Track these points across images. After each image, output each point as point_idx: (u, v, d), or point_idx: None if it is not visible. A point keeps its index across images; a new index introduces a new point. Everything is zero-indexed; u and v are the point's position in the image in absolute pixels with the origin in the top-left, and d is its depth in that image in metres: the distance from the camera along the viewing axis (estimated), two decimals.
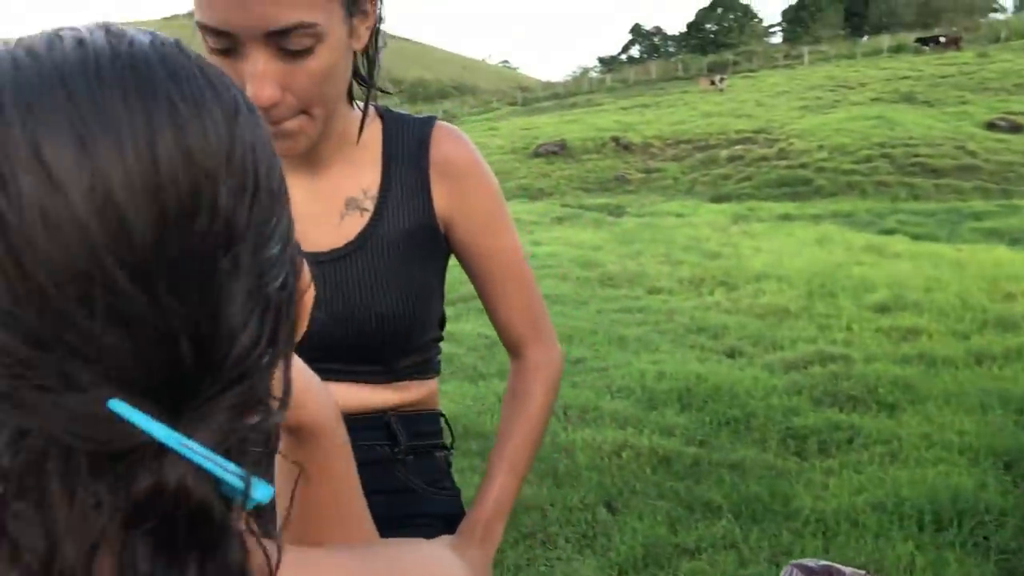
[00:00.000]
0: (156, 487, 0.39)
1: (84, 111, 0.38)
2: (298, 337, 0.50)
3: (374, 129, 1.13)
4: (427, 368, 1.20)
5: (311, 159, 1.09)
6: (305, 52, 0.92)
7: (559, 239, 11.56)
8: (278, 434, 0.46)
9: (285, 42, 0.90)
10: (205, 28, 0.91)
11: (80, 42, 0.41)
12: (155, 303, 0.39)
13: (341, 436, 0.68)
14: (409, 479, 1.18)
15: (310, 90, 0.95)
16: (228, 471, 0.40)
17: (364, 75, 1.07)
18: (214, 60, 0.93)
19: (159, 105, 0.40)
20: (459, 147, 1.14)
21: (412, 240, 1.12)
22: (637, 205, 16.56)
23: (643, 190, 20.41)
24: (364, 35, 1.01)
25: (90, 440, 0.38)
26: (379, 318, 1.10)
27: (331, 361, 1.10)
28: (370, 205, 1.11)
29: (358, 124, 1.10)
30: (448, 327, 5.04)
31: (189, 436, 0.40)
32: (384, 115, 1.16)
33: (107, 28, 0.43)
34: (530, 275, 1.21)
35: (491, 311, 1.21)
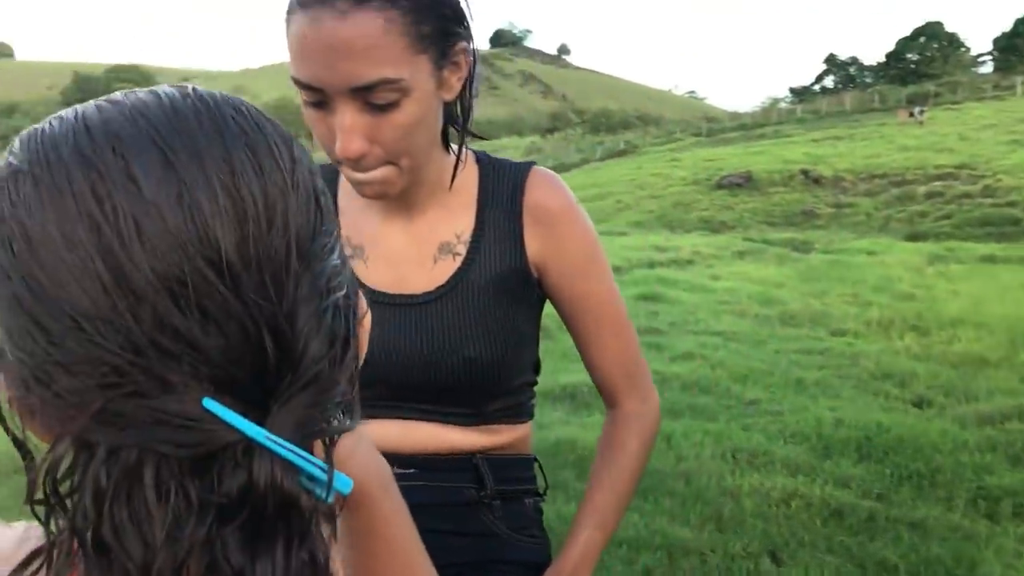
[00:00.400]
0: (248, 483, 0.42)
1: (165, 135, 0.43)
2: (360, 361, 0.52)
3: (470, 174, 1.14)
4: (519, 412, 1.19)
5: (406, 204, 1.11)
6: (391, 106, 0.94)
7: (739, 274, 11.27)
8: (335, 443, 0.48)
9: (371, 97, 0.93)
10: (298, 83, 0.95)
11: (151, 91, 0.47)
12: (242, 301, 0.42)
13: (390, 503, 0.68)
14: (495, 524, 1.17)
15: (396, 142, 0.98)
16: (312, 463, 0.44)
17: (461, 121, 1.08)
18: (309, 113, 0.98)
19: (229, 128, 0.45)
20: (553, 192, 1.13)
21: (503, 285, 1.12)
22: (825, 241, 15.92)
23: (832, 226, 19.61)
24: (455, 86, 1.02)
25: (183, 445, 0.41)
26: (468, 361, 1.10)
27: (421, 402, 1.13)
28: (463, 249, 1.12)
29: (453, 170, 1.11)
30: None
31: (274, 431, 0.43)
32: (481, 160, 1.16)
33: (169, 84, 0.49)
34: (626, 322, 1.18)
35: (585, 357, 1.19)
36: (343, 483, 0.45)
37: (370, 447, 0.69)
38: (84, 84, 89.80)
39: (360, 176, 1.01)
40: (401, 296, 1.12)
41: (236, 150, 0.44)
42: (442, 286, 1.11)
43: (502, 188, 1.13)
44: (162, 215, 0.41)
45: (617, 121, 79.74)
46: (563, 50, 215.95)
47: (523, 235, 1.12)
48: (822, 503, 3.71)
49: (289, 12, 0.94)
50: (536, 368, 1.24)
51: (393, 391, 1.12)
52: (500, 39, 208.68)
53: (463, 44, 1.01)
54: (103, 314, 0.41)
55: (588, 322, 1.16)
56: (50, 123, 0.46)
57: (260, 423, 0.43)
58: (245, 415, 0.42)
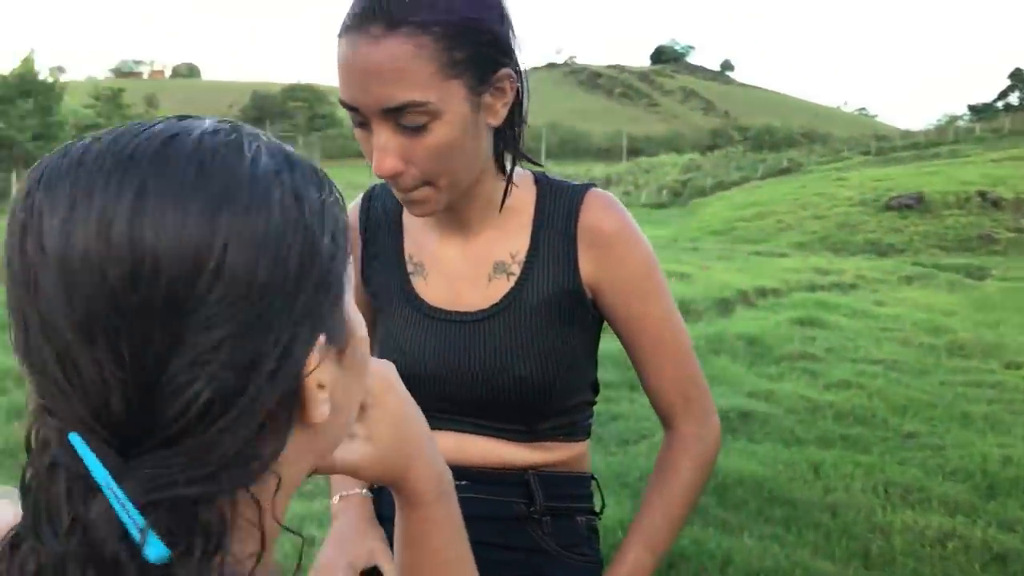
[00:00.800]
0: (82, 516, 0.45)
1: (79, 190, 0.47)
2: (312, 417, 0.53)
3: (528, 196, 1.17)
4: (573, 431, 1.20)
5: (462, 223, 1.16)
6: (422, 128, 0.98)
7: (906, 300, 10.75)
8: (247, 497, 0.50)
9: (401, 119, 0.98)
10: (343, 104, 1.01)
11: (126, 130, 0.50)
12: (95, 360, 0.45)
13: (444, 511, 0.71)
14: (543, 540, 1.18)
15: (429, 163, 1.01)
16: (132, 520, 0.45)
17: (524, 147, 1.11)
18: (356, 132, 1.04)
19: (128, 189, 0.46)
20: (607, 215, 1.14)
21: (556, 306, 1.14)
22: (1003, 268, 14.99)
23: (1011, 251, 18.42)
24: (500, 111, 1.04)
25: (65, 464, 0.46)
26: (518, 380, 1.13)
27: (474, 416, 1.16)
28: (517, 269, 1.15)
29: (511, 193, 1.13)
30: (769, 386, 4.95)
31: (120, 480, 0.45)
32: (540, 182, 1.18)
33: (171, 117, 0.52)
34: (684, 345, 1.18)
35: (641, 379, 1.19)
36: (155, 551, 0.45)
37: (435, 453, 0.72)
38: (261, 103, 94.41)
39: (403, 196, 1.06)
40: (456, 313, 1.16)
41: (121, 213, 0.45)
42: (495, 304, 1.15)
43: (558, 210, 1.15)
44: (48, 270, 0.46)
45: (781, 138, 77.53)
46: (726, 66, 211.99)
47: (577, 257, 1.14)
48: (983, 546, 3.49)
49: (338, 37, 0.99)
50: (595, 388, 1.25)
51: (449, 404, 1.16)
52: (661, 56, 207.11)
53: (506, 71, 1.02)
54: (27, 340, 0.47)
55: (643, 343, 1.16)
56: (46, 157, 0.51)
57: (121, 469, 0.46)
58: (107, 459, 0.46)
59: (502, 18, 1.02)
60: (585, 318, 1.16)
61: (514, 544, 1.18)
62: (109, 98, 26.71)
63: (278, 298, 0.49)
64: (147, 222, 0.45)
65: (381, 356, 1.15)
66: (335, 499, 1.21)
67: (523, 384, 1.13)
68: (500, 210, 1.15)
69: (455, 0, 0.97)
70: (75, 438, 0.46)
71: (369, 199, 1.26)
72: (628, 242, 1.14)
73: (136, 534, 0.45)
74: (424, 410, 1.15)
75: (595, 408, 1.27)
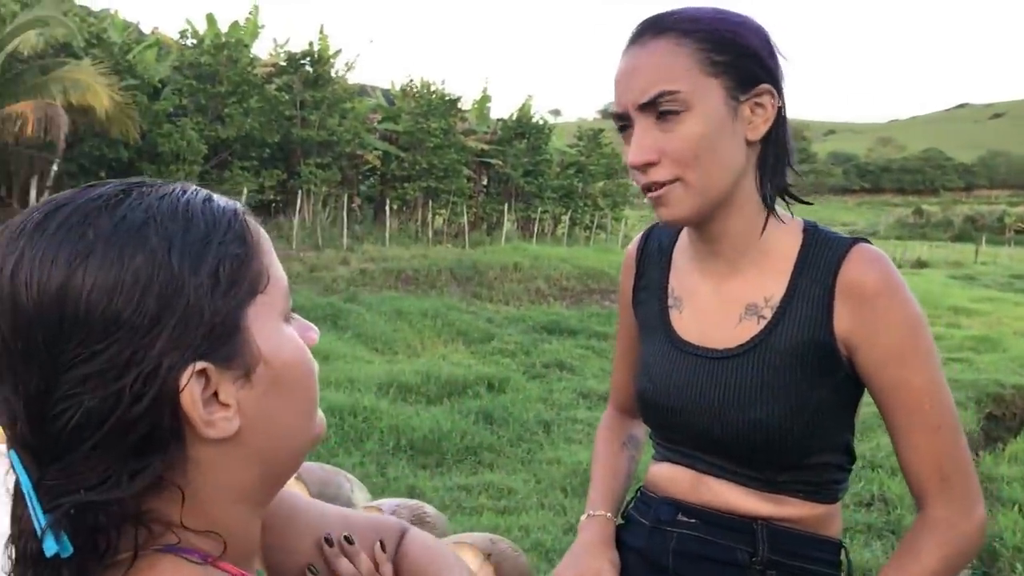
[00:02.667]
0: (21, 517, 0.60)
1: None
2: (204, 433, 0.60)
3: (792, 241, 1.17)
4: (816, 491, 1.18)
5: (720, 261, 1.19)
6: (674, 118, 1.07)
7: None
8: (122, 506, 0.58)
9: (656, 109, 1.08)
10: (611, 115, 1.13)
11: (34, 206, 0.61)
12: (4, 395, 0.58)
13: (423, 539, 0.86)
14: None
15: (682, 154, 1.08)
16: (38, 521, 0.57)
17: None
18: (623, 139, 1.15)
19: (11, 259, 0.57)
20: (871, 271, 1.11)
21: (805, 355, 1.13)
22: None
23: None
24: (760, 127, 1.10)
25: (15, 475, 0.61)
26: (752, 423, 1.14)
27: (711, 455, 1.20)
28: (768, 313, 1.16)
29: (770, 233, 1.16)
30: None
31: (39, 489, 0.57)
32: (807, 230, 1.18)
33: (87, 185, 0.62)
34: (947, 419, 1.09)
35: (896, 450, 1.14)
36: (50, 547, 0.55)
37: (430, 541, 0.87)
38: None
39: (653, 196, 1.11)
40: (704, 349, 1.19)
41: (7, 274, 0.57)
42: (742, 345, 1.16)
43: (821, 260, 1.14)
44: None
45: None
46: None
47: (833, 309, 1.12)
48: None
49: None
50: (849, 454, 1.20)
51: (690, 439, 1.21)
52: None
53: (767, 86, 1.09)
54: None
55: (898, 412, 1.11)
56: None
57: (37, 479, 0.58)
58: (31, 470, 0.58)
59: (767, 46, 1.10)
60: (836, 374, 1.14)
61: None
62: (591, 137, 29.14)
63: (137, 334, 0.57)
64: (22, 285, 0.57)
65: (637, 379, 1.27)
66: (583, 516, 1.32)
67: (757, 427, 1.14)
68: (760, 235, 1.17)
69: (720, 20, 1.08)
70: (12, 454, 0.59)
71: (647, 236, 1.34)
72: (890, 300, 1.11)
73: (38, 531, 0.57)
74: (666, 441, 1.27)
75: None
